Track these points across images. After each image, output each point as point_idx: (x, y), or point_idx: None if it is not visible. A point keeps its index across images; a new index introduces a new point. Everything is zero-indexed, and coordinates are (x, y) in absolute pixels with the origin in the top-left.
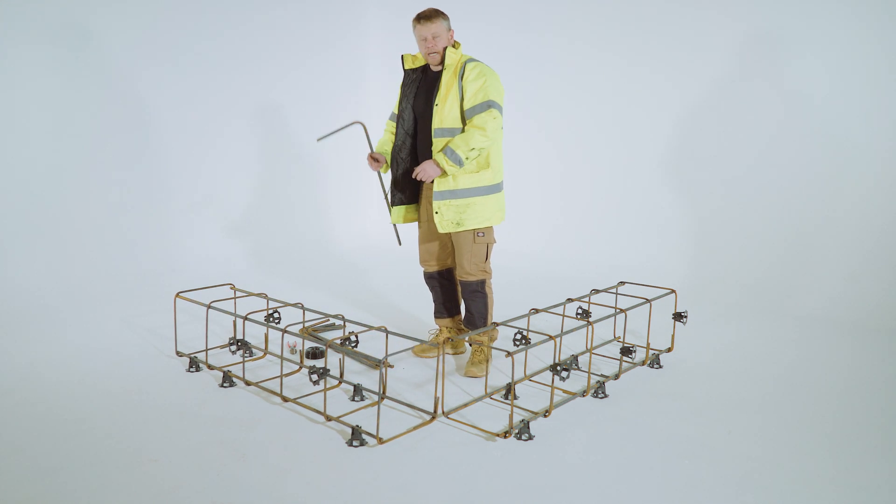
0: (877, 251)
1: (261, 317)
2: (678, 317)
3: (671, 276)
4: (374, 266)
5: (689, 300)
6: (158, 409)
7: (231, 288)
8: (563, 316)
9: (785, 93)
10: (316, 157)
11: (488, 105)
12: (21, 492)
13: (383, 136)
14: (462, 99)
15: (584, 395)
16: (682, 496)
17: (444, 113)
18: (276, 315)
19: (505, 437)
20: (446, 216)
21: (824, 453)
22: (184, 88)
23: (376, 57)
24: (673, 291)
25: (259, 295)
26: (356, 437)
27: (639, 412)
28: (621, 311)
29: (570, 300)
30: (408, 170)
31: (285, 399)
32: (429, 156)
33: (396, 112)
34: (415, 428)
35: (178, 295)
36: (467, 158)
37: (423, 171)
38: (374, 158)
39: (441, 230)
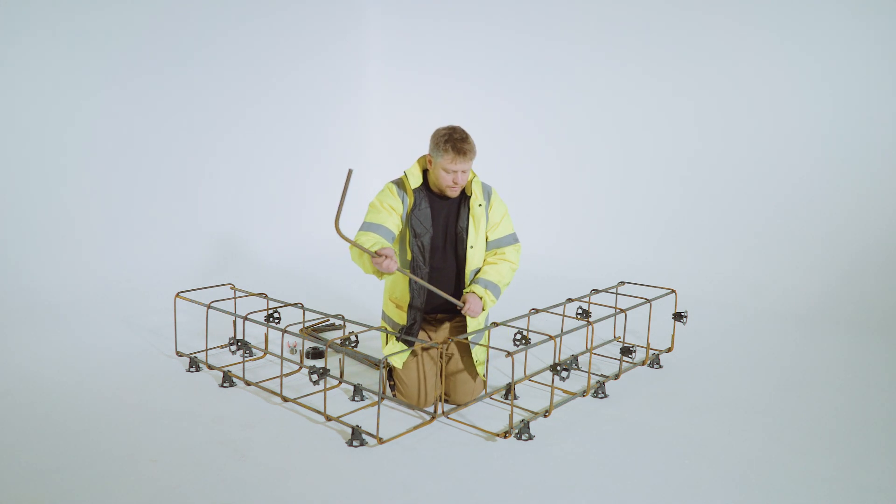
0: (876, 251)
1: (261, 317)
2: (678, 317)
3: (671, 276)
4: None
5: (689, 300)
6: (158, 409)
7: (231, 288)
8: (563, 316)
9: (784, 95)
10: (316, 157)
11: (515, 238)
12: (21, 492)
13: (368, 240)
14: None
15: (584, 395)
16: (682, 496)
17: (477, 253)
18: (276, 315)
19: (505, 437)
20: (480, 357)
21: (824, 453)
22: (185, 89)
23: (376, 57)
24: (673, 291)
25: (259, 295)
26: (356, 437)
27: (639, 412)
28: (621, 311)
29: (570, 300)
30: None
31: (285, 399)
32: (447, 288)
33: (391, 230)
34: (415, 428)
35: (178, 295)
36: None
37: (472, 310)
38: (383, 255)
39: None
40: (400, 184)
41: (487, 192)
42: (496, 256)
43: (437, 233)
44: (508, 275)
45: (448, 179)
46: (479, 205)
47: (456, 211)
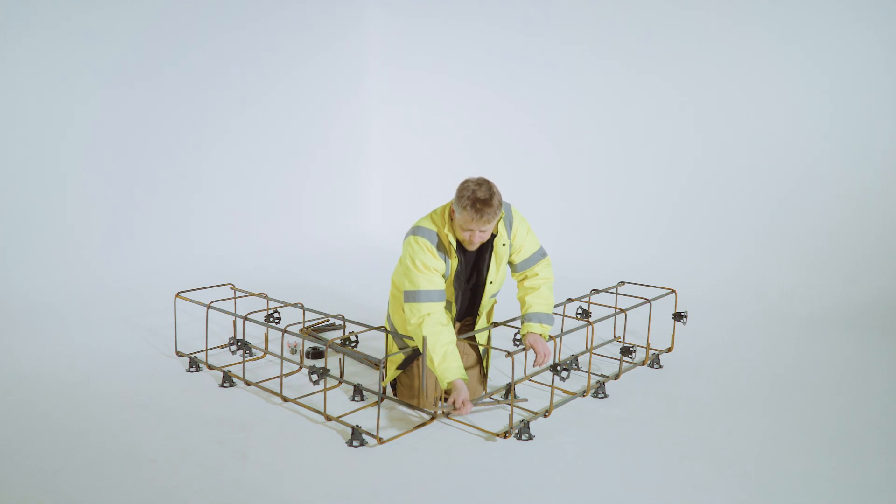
0: (876, 251)
1: (261, 317)
2: (678, 317)
3: (671, 276)
4: (374, 266)
5: (689, 300)
6: (158, 409)
7: (231, 288)
8: (563, 316)
9: (784, 95)
10: (316, 157)
11: (543, 253)
12: (21, 492)
13: (444, 334)
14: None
15: (584, 395)
16: (682, 496)
17: (495, 286)
18: (276, 315)
19: (505, 437)
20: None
21: (824, 453)
22: (185, 89)
23: (376, 57)
24: (673, 291)
25: (259, 295)
26: (356, 437)
27: (639, 412)
28: (621, 311)
29: (570, 300)
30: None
31: (285, 399)
32: (460, 310)
33: (444, 292)
34: (415, 428)
35: (178, 295)
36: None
37: (543, 351)
38: (463, 401)
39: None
40: (440, 245)
41: (509, 221)
42: (531, 280)
43: (461, 278)
44: (551, 295)
45: (466, 236)
46: (504, 244)
47: (479, 251)
